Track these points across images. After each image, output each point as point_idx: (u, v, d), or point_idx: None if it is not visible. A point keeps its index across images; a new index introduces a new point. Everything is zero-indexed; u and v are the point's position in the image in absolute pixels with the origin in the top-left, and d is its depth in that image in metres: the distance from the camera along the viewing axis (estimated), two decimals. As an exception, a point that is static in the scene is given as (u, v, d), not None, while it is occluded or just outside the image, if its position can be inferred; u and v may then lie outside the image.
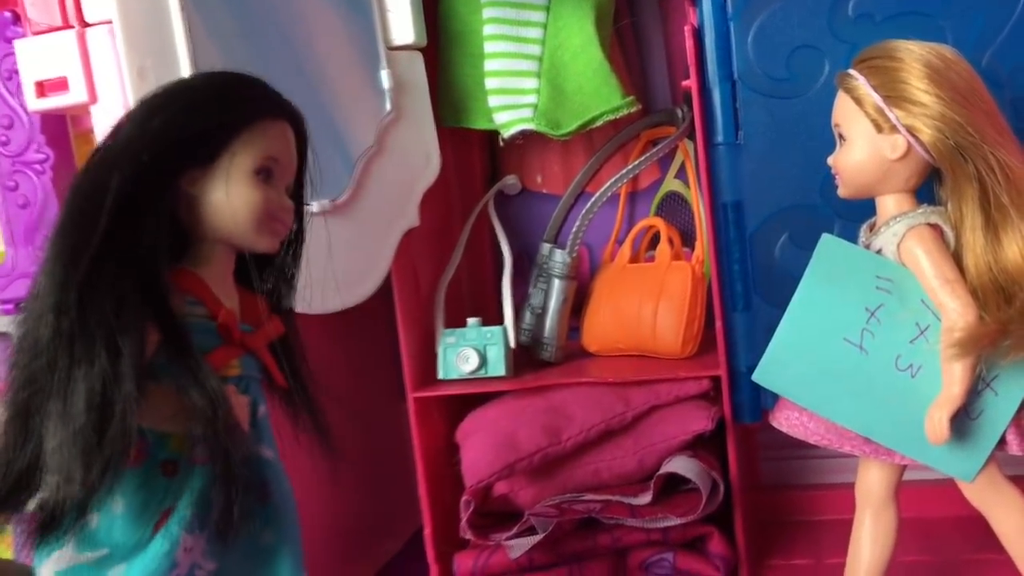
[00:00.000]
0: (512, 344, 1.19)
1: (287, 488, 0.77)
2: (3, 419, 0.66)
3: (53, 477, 0.63)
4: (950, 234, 0.86)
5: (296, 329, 0.81)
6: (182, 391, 0.68)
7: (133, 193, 0.66)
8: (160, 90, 0.72)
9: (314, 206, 0.95)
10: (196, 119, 0.70)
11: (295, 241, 0.80)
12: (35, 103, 0.91)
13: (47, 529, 0.65)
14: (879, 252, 0.89)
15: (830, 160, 0.90)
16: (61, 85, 0.89)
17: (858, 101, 0.86)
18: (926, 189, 0.89)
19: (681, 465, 1.08)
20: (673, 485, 1.11)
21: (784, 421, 0.94)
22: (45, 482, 0.64)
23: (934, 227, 0.86)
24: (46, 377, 0.64)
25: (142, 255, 0.67)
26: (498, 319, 1.24)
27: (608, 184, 1.22)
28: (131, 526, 0.69)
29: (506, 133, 1.19)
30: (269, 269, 0.79)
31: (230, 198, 0.72)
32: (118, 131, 0.70)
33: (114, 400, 0.63)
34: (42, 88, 0.91)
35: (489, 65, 1.18)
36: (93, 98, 0.88)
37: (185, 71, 0.87)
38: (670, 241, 1.23)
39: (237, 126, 0.72)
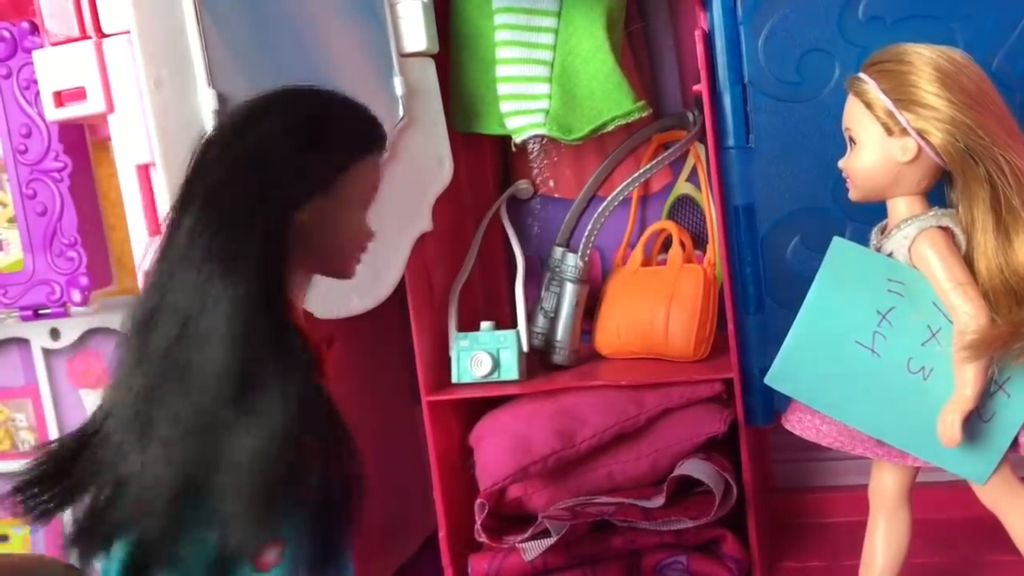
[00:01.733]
0: (525, 348, 1.20)
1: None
2: (149, 455, 0.64)
3: (234, 530, 0.61)
4: (961, 237, 0.86)
5: None
6: (312, 429, 0.66)
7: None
8: (288, 114, 0.70)
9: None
10: (330, 150, 0.70)
11: None
12: (53, 113, 0.92)
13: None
14: (890, 255, 0.89)
15: (841, 163, 0.91)
16: (79, 95, 0.90)
17: (869, 105, 0.86)
18: (937, 192, 0.89)
19: (694, 468, 1.08)
20: (686, 488, 1.11)
21: (796, 424, 0.94)
22: (219, 537, 0.62)
23: (945, 230, 0.86)
24: (228, 422, 0.62)
25: (278, 288, 0.67)
26: (511, 323, 1.24)
27: (620, 188, 1.22)
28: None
29: (518, 138, 1.19)
30: None
31: (342, 228, 0.72)
32: (252, 159, 0.68)
33: (296, 445, 0.62)
34: (60, 98, 0.91)
35: (501, 71, 1.19)
36: (110, 108, 0.89)
37: (201, 81, 0.88)
38: (682, 244, 1.23)
39: (357, 157, 0.73)
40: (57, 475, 0.68)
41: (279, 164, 0.68)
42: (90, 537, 0.66)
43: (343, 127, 0.72)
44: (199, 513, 0.63)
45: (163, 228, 0.70)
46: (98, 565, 0.67)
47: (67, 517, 0.69)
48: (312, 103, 0.72)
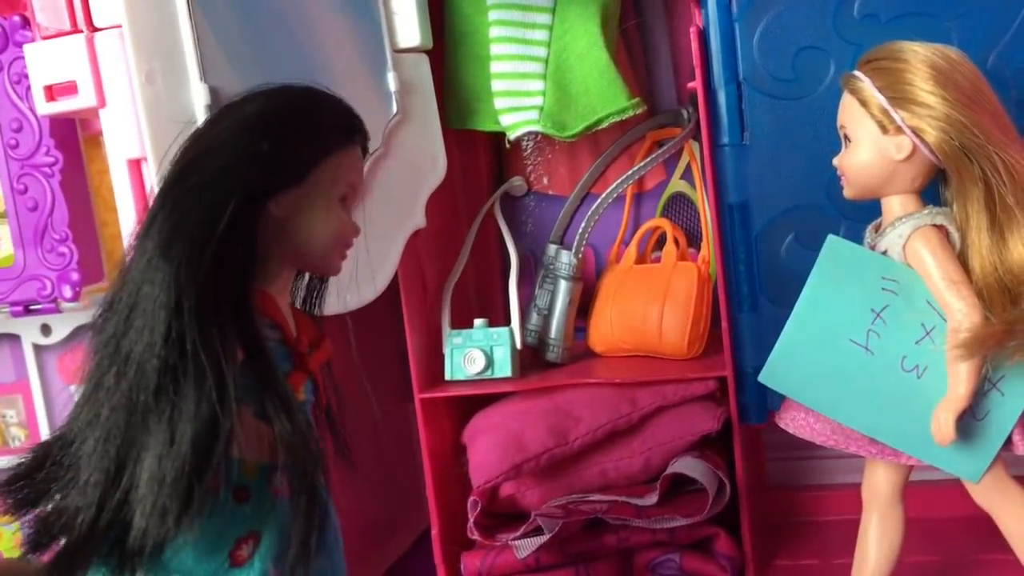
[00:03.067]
0: (518, 345, 1.20)
1: (335, 511, 0.77)
2: (91, 443, 0.64)
3: (145, 514, 0.61)
4: (955, 235, 0.86)
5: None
6: (270, 420, 0.66)
7: (235, 215, 0.66)
8: (254, 107, 0.70)
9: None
10: (299, 142, 0.70)
11: None
12: (44, 107, 0.92)
13: (120, 563, 0.64)
14: (885, 253, 0.89)
15: (836, 161, 0.91)
16: (70, 89, 0.90)
17: (863, 102, 0.86)
18: (931, 190, 0.89)
19: (688, 466, 1.08)
20: (679, 486, 1.11)
21: (790, 422, 0.94)
22: (133, 519, 0.62)
23: (939, 228, 0.86)
24: (150, 406, 0.62)
25: (234, 278, 0.66)
26: (504, 320, 1.24)
27: (614, 185, 1.22)
28: (206, 553, 0.67)
29: (512, 135, 1.19)
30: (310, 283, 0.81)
31: (316, 222, 0.72)
32: (209, 149, 0.68)
33: (220, 433, 0.62)
34: (51, 92, 0.91)
35: (495, 67, 1.18)
36: (102, 102, 0.89)
37: (193, 75, 0.88)
38: (676, 242, 1.23)
39: (330, 150, 0.72)
40: (36, 472, 0.68)
41: (237, 153, 0.67)
42: (43, 527, 0.66)
43: (314, 120, 0.72)
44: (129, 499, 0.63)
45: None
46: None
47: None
48: (283, 97, 0.72)
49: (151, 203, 0.68)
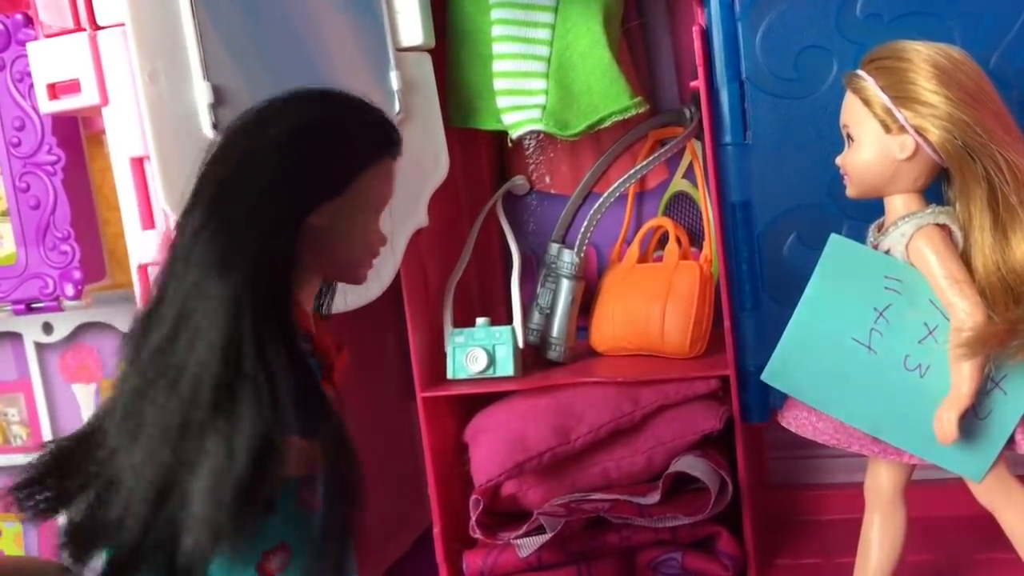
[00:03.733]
0: (520, 344, 1.20)
1: None
2: (138, 456, 0.63)
3: (198, 532, 0.60)
4: (958, 234, 0.86)
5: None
6: (315, 435, 0.66)
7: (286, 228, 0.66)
8: (298, 116, 0.70)
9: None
10: (342, 153, 0.70)
11: None
12: (47, 105, 0.92)
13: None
14: (887, 252, 0.89)
15: (838, 160, 0.91)
16: (73, 87, 0.90)
17: (866, 102, 0.86)
18: (934, 189, 0.89)
19: (690, 464, 1.08)
20: (682, 484, 1.11)
21: (793, 421, 0.94)
22: (181, 536, 0.61)
23: (942, 227, 0.86)
24: (206, 424, 0.61)
25: (282, 294, 0.66)
26: (507, 319, 1.24)
27: (616, 184, 1.22)
28: (233, 566, 0.67)
29: (514, 133, 1.19)
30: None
31: (353, 232, 0.72)
32: (258, 161, 0.67)
33: (275, 452, 0.61)
34: (54, 90, 0.91)
35: (497, 66, 1.18)
36: (105, 100, 0.89)
37: (196, 74, 0.88)
38: (678, 241, 1.23)
39: (369, 161, 0.72)
40: (55, 476, 0.68)
41: (286, 166, 0.67)
42: (82, 538, 0.65)
43: (357, 131, 0.71)
44: (178, 516, 0.62)
45: (171, 228, 0.70)
46: (94, 566, 0.66)
47: (62, 517, 0.69)
48: (325, 106, 0.71)
49: (187, 215, 0.67)
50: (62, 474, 0.67)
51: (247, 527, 0.61)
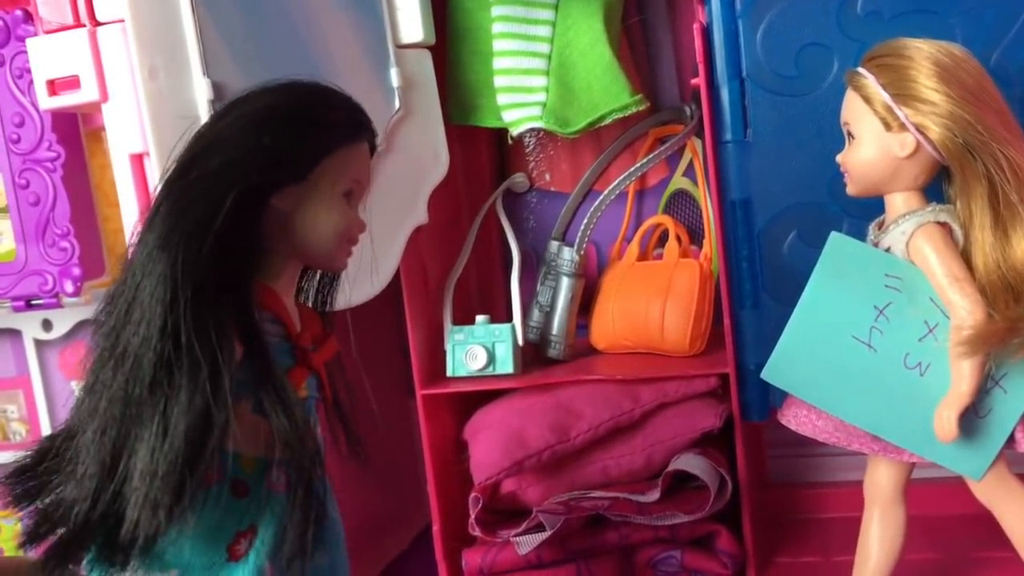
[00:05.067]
0: (520, 342, 1.20)
1: (336, 508, 0.77)
2: (89, 435, 0.64)
3: (137, 507, 0.61)
4: (959, 232, 0.86)
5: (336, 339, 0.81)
6: (267, 416, 0.66)
7: (237, 209, 0.66)
8: (259, 102, 0.70)
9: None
10: (302, 137, 0.70)
11: None
12: (46, 101, 0.92)
13: (112, 555, 0.64)
14: (888, 250, 0.89)
15: (839, 158, 0.91)
16: (72, 83, 0.90)
17: (867, 99, 0.86)
18: (935, 187, 0.89)
19: (689, 462, 1.08)
20: (681, 482, 1.11)
21: (793, 419, 0.94)
22: (126, 512, 0.62)
23: (943, 225, 0.86)
24: (144, 399, 0.62)
25: (235, 272, 0.66)
26: (506, 317, 1.24)
27: (616, 182, 1.22)
28: (203, 547, 0.67)
29: (515, 131, 1.19)
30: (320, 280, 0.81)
31: (319, 217, 0.72)
32: (213, 143, 0.68)
33: (213, 427, 0.62)
34: (53, 86, 0.91)
35: (498, 63, 1.18)
36: (104, 96, 0.89)
37: (196, 70, 0.88)
38: (678, 239, 1.23)
39: (334, 145, 0.72)
40: (40, 464, 0.68)
41: (238, 147, 0.67)
42: (43, 523, 0.66)
43: (319, 116, 0.72)
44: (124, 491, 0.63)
45: None
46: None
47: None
48: (289, 92, 0.72)
49: (154, 198, 0.68)
50: (46, 462, 0.68)
51: (188, 503, 0.62)
